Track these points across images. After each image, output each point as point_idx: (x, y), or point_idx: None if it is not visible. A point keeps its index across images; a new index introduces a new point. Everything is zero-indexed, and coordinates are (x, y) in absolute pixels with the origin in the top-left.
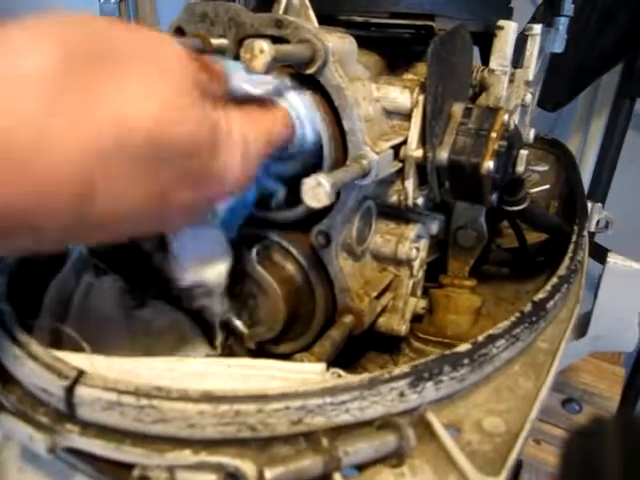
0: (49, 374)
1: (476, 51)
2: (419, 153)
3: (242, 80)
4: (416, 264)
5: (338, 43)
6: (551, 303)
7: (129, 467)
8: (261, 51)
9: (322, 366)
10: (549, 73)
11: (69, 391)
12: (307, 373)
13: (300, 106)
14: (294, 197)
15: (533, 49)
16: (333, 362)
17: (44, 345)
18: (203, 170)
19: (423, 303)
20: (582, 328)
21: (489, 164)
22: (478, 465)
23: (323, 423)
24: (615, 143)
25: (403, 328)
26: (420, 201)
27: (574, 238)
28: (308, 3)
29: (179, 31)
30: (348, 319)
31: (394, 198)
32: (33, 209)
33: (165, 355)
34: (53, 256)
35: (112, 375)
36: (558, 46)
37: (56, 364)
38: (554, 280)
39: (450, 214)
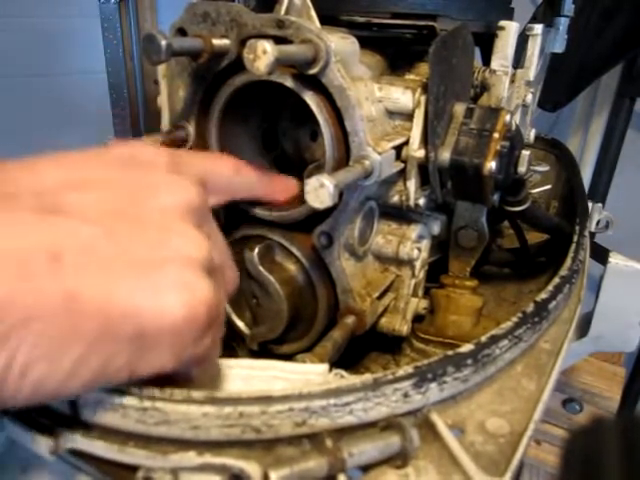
0: None
1: (477, 52)
2: (421, 153)
3: None
4: (417, 264)
5: (340, 43)
6: (553, 303)
7: (133, 469)
8: (264, 52)
9: (325, 367)
10: (549, 73)
11: None
12: (310, 374)
13: None
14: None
15: (534, 49)
16: (335, 362)
17: None
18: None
19: (424, 303)
20: (583, 328)
21: (491, 164)
22: (482, 466)
23: (327, 424)
24: (615, 143)
25: (405, 328)
26: (422, 201)
27: (575, 238)
28: (310, 3)
29: (181, 32)
30: (350, 320)
31: (396, 198)
32: None
33: None
34: None
35: None
36: (559, 46)
37: None
38: (556, 280)
39: (451, 214)
